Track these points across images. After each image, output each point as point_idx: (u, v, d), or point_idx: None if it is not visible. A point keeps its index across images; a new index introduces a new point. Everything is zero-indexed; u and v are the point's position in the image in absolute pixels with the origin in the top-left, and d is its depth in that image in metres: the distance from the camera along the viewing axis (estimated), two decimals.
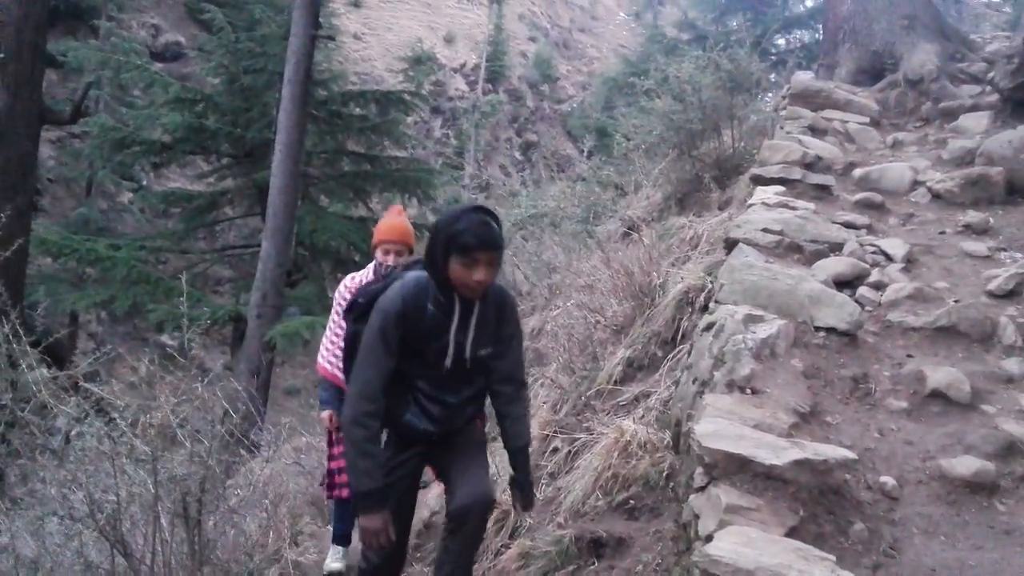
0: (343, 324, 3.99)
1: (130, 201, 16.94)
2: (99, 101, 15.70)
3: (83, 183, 16.73)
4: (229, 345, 13.67)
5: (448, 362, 2.76)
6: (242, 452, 5.52)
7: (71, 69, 15.71)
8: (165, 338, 15.46)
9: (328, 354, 4.15)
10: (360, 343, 2.77)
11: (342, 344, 3.99)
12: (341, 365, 4.00)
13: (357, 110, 13.69)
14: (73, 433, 3.67)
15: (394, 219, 4.08)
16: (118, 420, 3.56)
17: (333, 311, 4.19)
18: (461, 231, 2.54)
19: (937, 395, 3.32)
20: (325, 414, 4.16)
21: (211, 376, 3.73)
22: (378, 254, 4.01)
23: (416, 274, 2.80)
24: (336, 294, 4.19)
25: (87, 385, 3.76)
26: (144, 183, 17.87)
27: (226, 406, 4.31)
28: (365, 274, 4.14)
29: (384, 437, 2.89)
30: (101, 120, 12.68)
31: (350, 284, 4.12)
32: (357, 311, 2.95)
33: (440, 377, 2.81)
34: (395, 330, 2.69)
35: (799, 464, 2.61)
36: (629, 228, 7.18)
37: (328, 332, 4.22)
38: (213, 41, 13.56)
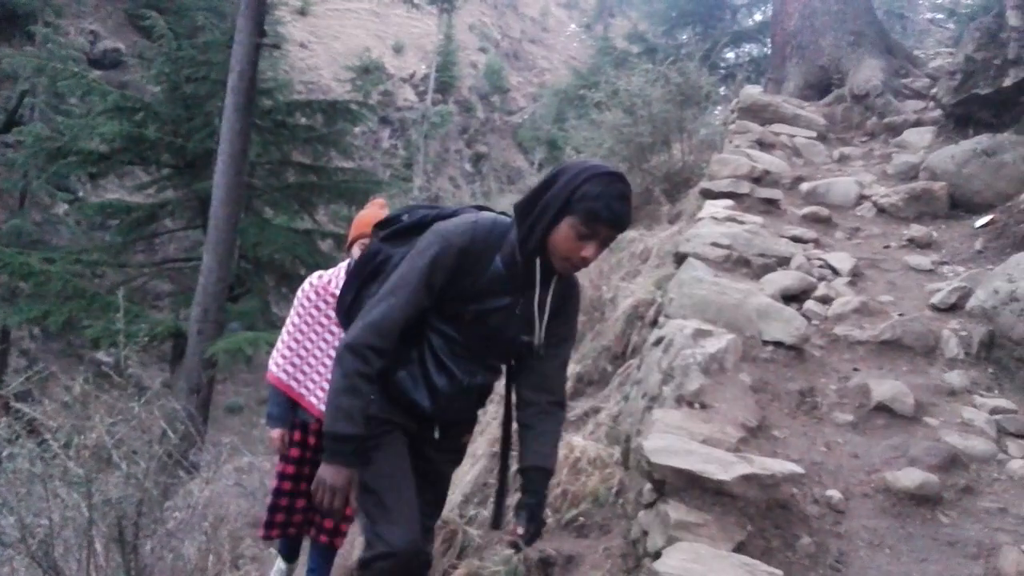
0: (303, 327, 3.69)
1: (66, 213, 16.45)
2: (35, 109, 15.22)
3: (16, 194, 16.18)
4: (169, 362, 13.31)
5: (494, 333, 2.28)
6: (181, 473, 5.35)
7: (5, 76, 15.25)
8: (101, 355, 14.99)
9: (285, 361, 3.66)
10: (383, 267, 2.35)
11: (299, 349, 3.73)
12: (297, 370, 3.65)
13: (303, 120, 13.48)
14: (4, 455, 3.49)
15: (376, 211, 3.55)
16: (50, 441, 3.40)
17: (293, 312, 3.72)
18: (595, 195, 2.11)
19: (882, 408, 3.34)
20: (275, 433, 3.66)
21: (148, 395, 3.58)
22: (355, 250, 3.54)
23: (493, 217, 2.33)
24: (300, 292, 3.73)
25: (18, 405, 3.59)
26: (80, 194, 17.36)
27: (164, 426, 4.14)
28: (335, 272, 3.72)
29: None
30: (35, 129, 12.27)
31: (317, 283, 3.68)
32: (393, 229, 2.47)
33: (464, 345, 2.32)
34: (448, 266, 2.20)
35: (747, 479, 2.59)
36: None
37: (285, 336, 3.72)
38: (154, 48, 13.25)
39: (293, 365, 3.67)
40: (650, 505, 2.70)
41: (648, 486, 2.72)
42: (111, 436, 3.56)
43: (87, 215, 13.92)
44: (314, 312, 3.70)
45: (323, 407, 2.70)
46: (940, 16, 16.30)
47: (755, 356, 3.62)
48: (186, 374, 10.50)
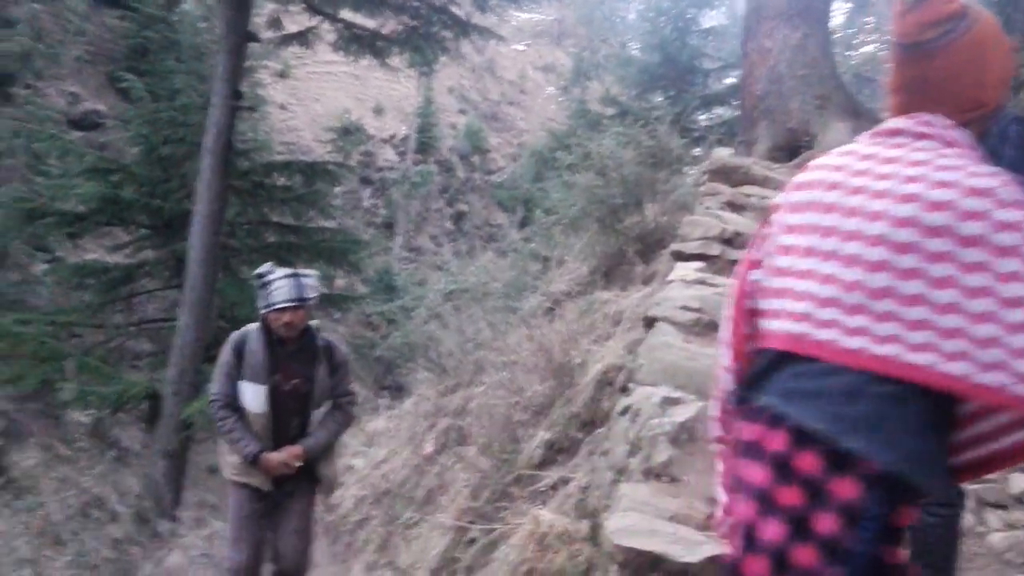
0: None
1: (44, 273, 16.28)
2: (14, 170, 15.16)
3: None
4: (146, 422, 13.06)
5: None
6: (144, 545, 5.19)
7: None
8: (79, 416, 14.68)
9: None
10: None
11: None
12: None
13: (282, 180, 13.50)
14: None
15: None
16: None
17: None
18: None
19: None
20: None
21: (98, 468, 3.47)
22: None
23: None
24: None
25: None
26: (59, 254, 17.20)
27: (118, 496, 4.03)
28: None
29: None
30: (12, 190, 12.21)
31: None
32: None
33: None
34: None
35: (713, 560, 2.51)
36: (553, 303, 7.15)
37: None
38: (132, 110, 13.30)
39: None
40: None
41: (613, 567, 2.64)
42: (63, 511, 3.44)
43: (63, 276, 13.78)
44: None
45: None
46: None
47: None
48: (161, 436, 10.29)
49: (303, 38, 12.02)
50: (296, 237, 13.51)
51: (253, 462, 3.90)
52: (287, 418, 4.00)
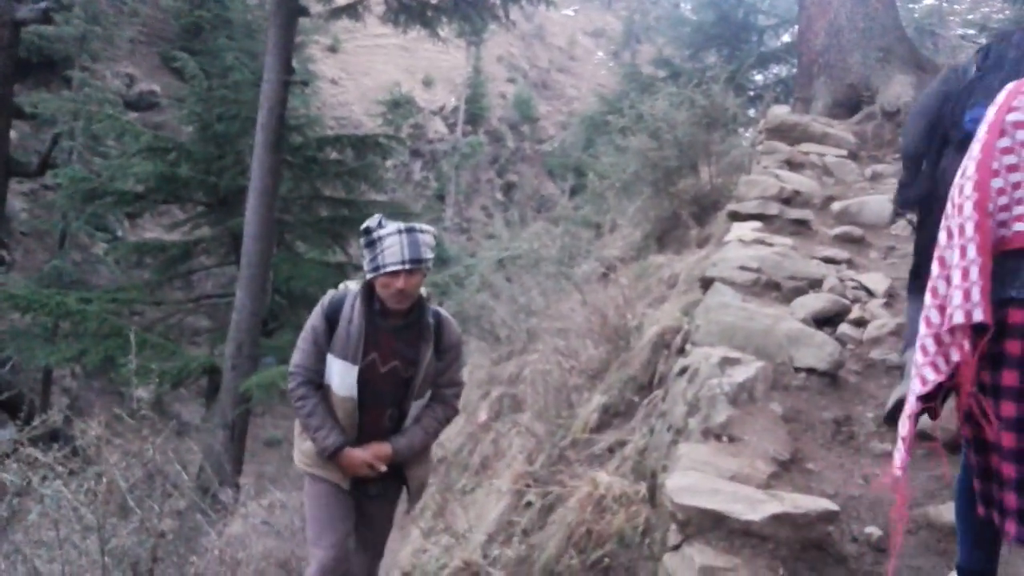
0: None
1: (105, 252, 16.74)
2: (72, 152, 15.57)
3: (56, 235, 16.52)
4: (205, 397, 13.39)
5: None
6: (208, 513, 5.29)
7: (44, 121, 15.61)
8: (141, 392, 15.13)
9: None
10: None
11: None
12: None
13: (333, 155, 13.58)
14: (15, 503, 3.45)
15: None
16: (62, 489, 3.34)
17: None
18: None
19: (923, 436, 3.16)
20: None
21: (160, 438, 3.52)
22: None
23: None
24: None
25: (31, 451, 3.54)
26: (119, 233, 17.67)
27: (179, 467, 4.09)
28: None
29: None
30: (71, 171, 12.52)
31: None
32: None
33: None
34: None
35: (778, 519, 2.44)
36: (607, 268, 7.06)
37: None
38: (186, 89, 13.49)
39: None
40: (676, 548, 2.55)
41: (673, 527, 2.57)
42: (128, 479, 3.51)
43: (123, 254, 14.14)
44: None
45: None
46: (971, 32, 16.03)
47: (786, 384, 3.46)
48: (220, 410, 10.53)
49: (353, 11, 11.98)
50: (348, 211, 13.58)
51: (331, 456, 3.16)
52: (379, 407, 3.21)
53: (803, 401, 3.39)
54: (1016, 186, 2.06)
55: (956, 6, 19.82)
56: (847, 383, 3.58)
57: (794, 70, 11.60)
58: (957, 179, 2.13)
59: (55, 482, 3.53)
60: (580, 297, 6.01)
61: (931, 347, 2.09)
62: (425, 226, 3.16)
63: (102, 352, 11.20)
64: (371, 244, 3.07)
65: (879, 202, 5.79)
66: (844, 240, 5.28)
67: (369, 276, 3.10)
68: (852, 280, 4.51)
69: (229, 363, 10.56)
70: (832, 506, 2.63)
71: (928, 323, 2.11)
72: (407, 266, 3.01)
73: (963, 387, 2.05)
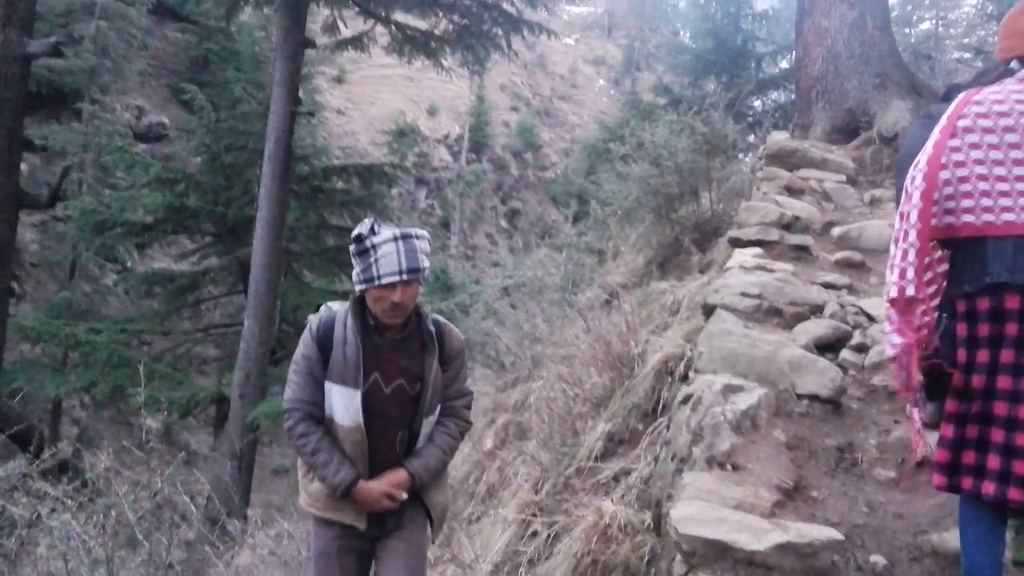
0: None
1: (115, 283, 16.85)
2: (82, 184, 15.73)
3: (66, 266, 16.64)
4: (214, 426, 13.42)
5: None
6: (216, 544, 5.30)
7: (54, 153, 15.79)
8: (150, 421, 15.19)
9: None
10: None
11: None
12: None
13: (340, 184, 13.72)
14: (25, 535, 3.48)
15: None
16: (70, 521, 3.37)
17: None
18: None
19: (926, 463, 3.18)
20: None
21: (170, 471, 3.56)
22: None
23: None
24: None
25: (40, 484, 3.58)
26: (129, 264, 17.79)
27: (187, 498, 4.11)
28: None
29: None
30: (81, 203, 12.66)
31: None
32: None
33: None
34: None
35: (782, 548, 2.46)
36: (610, 295, 7.09)
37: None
38: (194, 121, 13.66)
39: None
40: None
41: (678, 557, 2.60)
42: (135, 512, 3.54)
43: (132, 285, 14.26)
44: None
45: None
46: (967, 55, 16.15)
47: (789, 411, 3.49)
48: (228, 439, 10.57)
49: (358, 42, 12.17)
50: None
51: (345, 494, 2.86)
52: (389, 432, 2.92)
53: (806, 428, 3.41)
54: (962, 180, 2.39)
55: (952, 30, 20.01)
56: (849, 409, 3.60)
57: (792, 96, 11.69)
58: (911, 170, 2.43)
59: (64, 515, 3.56)
60: (584, 324, 6.04)
61: (893, 317, 2.42)
62: (419, 231, 2.90)
63: (112, 382, 11.28)
64: (363, 253, 2.79)
65: (878, 227, 5.83)
66: (844, 265, 5.32)
67: (360, 288, 2.83)
68: (853, 305, 4.54)
69: (237, 392, 10.62)
70: (836, 535, 2.65)
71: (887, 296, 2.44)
72: (404, 277, 2.76)
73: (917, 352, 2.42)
